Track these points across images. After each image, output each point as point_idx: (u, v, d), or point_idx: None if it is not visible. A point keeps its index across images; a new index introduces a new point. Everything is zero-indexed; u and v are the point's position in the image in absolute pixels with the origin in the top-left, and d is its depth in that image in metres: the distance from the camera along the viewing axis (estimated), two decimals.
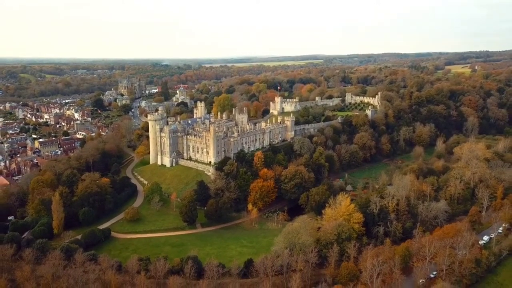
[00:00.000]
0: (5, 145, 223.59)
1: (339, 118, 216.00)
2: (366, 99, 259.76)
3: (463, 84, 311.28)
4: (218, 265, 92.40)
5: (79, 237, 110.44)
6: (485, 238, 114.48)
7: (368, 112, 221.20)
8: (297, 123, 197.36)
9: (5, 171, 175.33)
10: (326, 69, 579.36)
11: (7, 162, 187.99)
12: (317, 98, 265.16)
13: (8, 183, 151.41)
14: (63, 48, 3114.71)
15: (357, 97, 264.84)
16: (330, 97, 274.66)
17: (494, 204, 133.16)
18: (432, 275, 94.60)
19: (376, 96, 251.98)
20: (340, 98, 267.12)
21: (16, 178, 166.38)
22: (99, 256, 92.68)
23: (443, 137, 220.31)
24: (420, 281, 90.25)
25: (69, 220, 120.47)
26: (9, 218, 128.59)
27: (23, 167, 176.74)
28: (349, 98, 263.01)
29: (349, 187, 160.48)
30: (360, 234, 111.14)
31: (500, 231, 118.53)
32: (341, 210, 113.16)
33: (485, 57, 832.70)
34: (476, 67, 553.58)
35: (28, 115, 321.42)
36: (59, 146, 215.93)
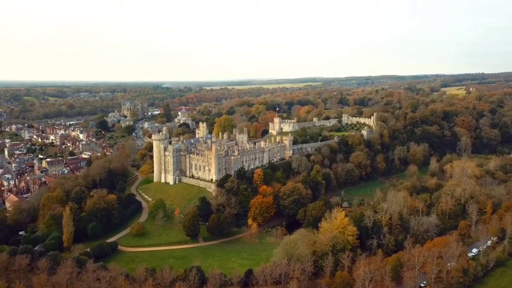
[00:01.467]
0: (13, 164, 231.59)
1: (335, 138, 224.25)
2: (362, 120, 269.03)
3: (456, 105, 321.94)
4: (220, 274, 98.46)
5: (88, 249, 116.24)
6: (474, 250, 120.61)
7: (364, 132, 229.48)
8: (295, 142, 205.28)
9: (15, 189, 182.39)
10: (324, 91, 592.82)
11: (16, 180, 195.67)
12: (314, 119, 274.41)
13: (18, 200, 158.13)
14: (65, 71, 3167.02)
15: (354, 118, 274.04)
16: (327, 118, 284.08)
17: (483, 219, 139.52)
18: (422, 285, 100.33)
19: (372, 117, 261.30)
20: (337, 119, 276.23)
21: (25, 196, 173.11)
22: (109, 265, 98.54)
23: (436, 156, 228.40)
24: None
25: (78, 234, 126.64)
26: (20, 233, 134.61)
27: (32, 185, 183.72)
28: (346, 119, 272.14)
29: (345, 204, 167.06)
30: (355, 246, 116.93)
31: (488, 244, 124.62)
32: (336, 224, 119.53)
33: (480, 79, 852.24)
34: (470, 89, 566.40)
35: (34, 136, 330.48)
36: (66, 165, 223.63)
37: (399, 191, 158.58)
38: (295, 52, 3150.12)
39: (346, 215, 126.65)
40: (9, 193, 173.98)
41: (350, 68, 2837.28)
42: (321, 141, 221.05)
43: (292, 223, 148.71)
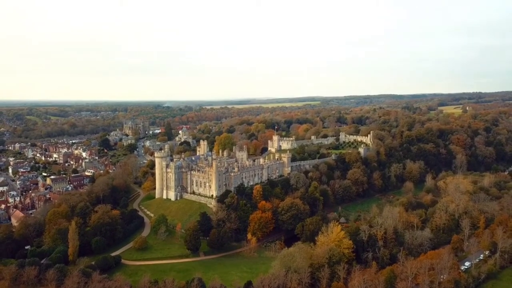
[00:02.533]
0: (18, 182, 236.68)
1: (333, 155, 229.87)
2: (359, 138, 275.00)
3: (452, 123, 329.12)
4: (221, 285, 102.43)
5: (93, 263, 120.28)
6: (467, 264, 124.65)
7: (361, 150, 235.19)
8: (293, 159, 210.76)
9: (20, 205, 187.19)
10: (322, 110, 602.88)
11: (21, 197, 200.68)
12: (312, 137, 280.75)
13: (24, 216, 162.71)
14: (65, 91, 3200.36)
15: (351, 136, 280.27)
16: (325, 136, 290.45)
17: (476, 233, 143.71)
18: None
19: (369, 135, 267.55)
20: (335, 137, 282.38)
21: (30, 212, 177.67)
22: (114, 277, 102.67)
23: (432, 173, 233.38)
24: None
25: (82, 248, 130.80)
26: (26, 247, 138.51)
27: (36, 202, 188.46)
28: (343, 137, 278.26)
29: (342, 219, 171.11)
30: (350, 259, 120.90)
31: (481, 257, 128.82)
32: (333, 237, 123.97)
33: (477, 98, 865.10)
34: (467, 108, 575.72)
35: (38, 155, 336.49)
36: (70, 182, 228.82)
37: (395, 207, 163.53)
38: (294, 72, 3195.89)
39: (342, 229, 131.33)
40: (14, 209, 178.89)
41: (349, 88, 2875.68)
42: (319, 158, 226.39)
43: (290, 238, 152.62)
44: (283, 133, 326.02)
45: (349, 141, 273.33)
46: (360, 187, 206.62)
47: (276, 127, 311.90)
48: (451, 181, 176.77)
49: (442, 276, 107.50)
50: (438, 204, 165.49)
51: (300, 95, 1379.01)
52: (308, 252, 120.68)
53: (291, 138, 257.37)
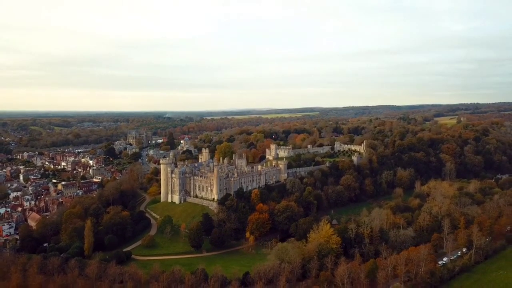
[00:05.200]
0: (30, 188, 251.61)
1: (327, 163, 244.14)
2: (353, 147, 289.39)
3: (443, 133, 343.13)
4: (222, 275, 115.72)
5: (107, 257, 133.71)
6: (445, 259, 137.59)
7: (354, 158, 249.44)
8: (290, 166, 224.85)
9: (35, 208, 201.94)
10: (320, 121, 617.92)
11: (35, 201, 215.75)
12: (309, 146, 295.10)
13: (41, 217, 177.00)
14: (67, 102, 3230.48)
15: (345, 145, 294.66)
16: (321, 145, 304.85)
17: (456, 233, 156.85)
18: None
19: (362, 144, 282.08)
20: (330, 146, 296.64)
21: (45, 214, 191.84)
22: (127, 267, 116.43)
23: (422, 180, 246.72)
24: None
25: (96, 245, 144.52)
26: (44, 244, 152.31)
27: (50, 205, 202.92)
28: (338, 146, 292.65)
29: (334, 221, 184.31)
30: (338, 253, 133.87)
31: (458, 254, 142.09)
32: (322, 234, 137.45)
33: (474, 109, 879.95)
34: (462, 119, 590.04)
35: (46, 163, 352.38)
36: (79, 188, 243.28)
37: (383, 210, 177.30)
38: (293, 84, 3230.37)
39: (332, 228, 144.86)
40: (31, 212, 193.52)
41: (348, 99, 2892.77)
42: (314, 166, 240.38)
43: (285, 237, 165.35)
44: (281, 142, 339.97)
45: (344, 150, 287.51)
46: (352, 193, 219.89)
47: (274, 136, 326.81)
48: (434, 186, 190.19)
49: (420, 269, 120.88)
50: (423, 207, 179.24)
51: (299, 106, 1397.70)
52: (301, 247, 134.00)
53: (288, 147, 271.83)
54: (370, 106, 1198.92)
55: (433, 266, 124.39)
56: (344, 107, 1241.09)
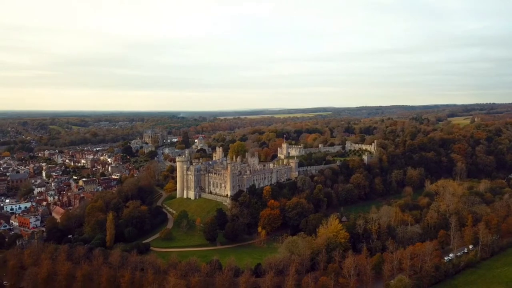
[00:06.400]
0: (52, 184, 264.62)
1: (337, 161, 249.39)
2: (364, 147, 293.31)
3: (455, 133, 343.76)
4: (235, 266, 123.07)
5: (128, 248, 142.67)
6: (451, 255, 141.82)
7: (365, 157, 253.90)
8: (300, 165, 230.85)
9: (59, 203, 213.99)
10: (332, 120, 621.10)
11: (58, 196, 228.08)
12: (320, 145, 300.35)
13: (65, 210, 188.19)
14: (83, 102, 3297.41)
15: (356, 145, 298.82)
16: (332, 144, 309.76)
17: (463, 230, 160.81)
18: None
19: (373, 144, 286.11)
20: (341, 146, 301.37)
21: (68, 208, 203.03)
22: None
23: (432, 179, 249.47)
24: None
25: (116, 237, 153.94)
26: (69, 236, 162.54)
27: (72, 200, 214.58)
28: (349, 146, 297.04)
29: (344, 218, 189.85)
30: (346, 248, 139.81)
31: (465, 251, 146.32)
32: (331, 229, 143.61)
33: (489, 109, 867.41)
34: (476, 119, 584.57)
35: (67, 160, 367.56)
36: (99, 184, 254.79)
37: (392, 207, 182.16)
38: (306, 83, 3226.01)
39: (340, 224, 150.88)
40: (55, 206, 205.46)
41: (361, 99, 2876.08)
42: (324, 164, 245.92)
43: (296, 233, 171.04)
44: (293, 142, 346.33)
45: (355, 150, 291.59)
46: (362, 191, 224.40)
47: (285, 135, 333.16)
48: (443, 185, 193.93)
49: (425, 263, 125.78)
50: (431, 205, 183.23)
51: (311, 106, 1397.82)
52: (310, 241, 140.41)
53: (299, 146, 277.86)
54: (383, 106, 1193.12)
55: (438, 261, 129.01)
56: (357, 107, 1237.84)
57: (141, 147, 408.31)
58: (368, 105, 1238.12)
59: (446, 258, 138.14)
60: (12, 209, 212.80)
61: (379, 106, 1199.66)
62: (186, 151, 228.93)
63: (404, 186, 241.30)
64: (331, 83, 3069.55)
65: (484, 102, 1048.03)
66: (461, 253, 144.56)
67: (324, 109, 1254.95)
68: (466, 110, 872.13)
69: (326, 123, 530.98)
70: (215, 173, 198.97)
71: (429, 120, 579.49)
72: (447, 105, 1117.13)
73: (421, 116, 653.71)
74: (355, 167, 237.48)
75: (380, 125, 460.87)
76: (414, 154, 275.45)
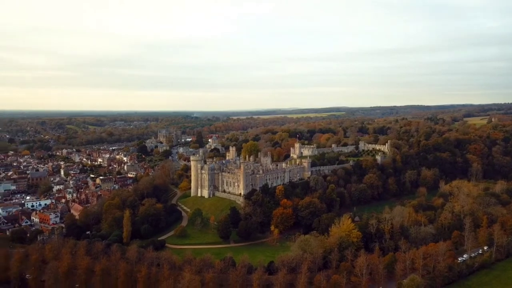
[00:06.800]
0: (70, 182, 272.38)
1: (351, 161, 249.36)
2: (377, 147, 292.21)
3: (470, 134, 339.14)
4: (249, 263, 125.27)
5: (144, 244, 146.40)
6: (465, 256, 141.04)
7: (378, 157, 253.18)
8: (313, 165, 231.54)
9: (77, 200, 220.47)
10: (346, 120, 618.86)
11: (77, 194, 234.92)
12: (333, 145, 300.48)
13: (83, 207, 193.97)
14: (99, 102, 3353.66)
15: (370, 145, 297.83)
16: (345, 144, 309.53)
17: (478, 231, 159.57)
18: None
19: (386, 144, 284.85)
20: (354, 146, 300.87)
21: (86, 205, 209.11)
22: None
23: (447, 180, 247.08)
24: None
25: (133, 233, 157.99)
26: (87, 232, 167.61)
27: (90, 198, 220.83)
28: (362, 146, 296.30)
29: (357, 218, 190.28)
30: (359, 247, 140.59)
31: (479, 252, 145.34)
32: (343, 228, 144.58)
33: (506, 109, 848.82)
34: (492, 119, 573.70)
35: (84, 159, 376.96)
36: (115, 182, 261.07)
37: (405, 207, 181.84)
38: (319, 83, 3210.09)
39: (353, 223, 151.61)
40: (73, 203, 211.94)
41: (375, 98, 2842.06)
42: (337, 164, 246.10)
43: (308, 232, 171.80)
44: (306, 142, 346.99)
45: (368, 150, 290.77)
46: (375, 191, 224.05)
47: (298, 135, 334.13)
48: (457, 185, 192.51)
49: (438, 263, 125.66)
50: (445, 206, 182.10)
51: (325, 106, 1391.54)
52: (322, 240, 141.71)
53: (312, 146, 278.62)
54: (397, 106, 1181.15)
55: (452, 261, 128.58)
56: (371, 107, 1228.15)
57: (156, 147, 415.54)
58: (382, 105, 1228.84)
59: (460, 259, 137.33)
60: (32, 205, 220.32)
61: (394, 106, 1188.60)
62: (200, 151, 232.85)
63: (418, 187, 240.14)
64: (345, 83, 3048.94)
65: (502, 102, 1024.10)
66: (476, 254, 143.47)
67: (338, 109, 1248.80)
68: (483, 110, 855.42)
69: (339, 123, 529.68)
70: (228, 172, 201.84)
71: (444, 120, 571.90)
72: (463, 105, 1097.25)
73: (436, 116, 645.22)
74: (368, 167, 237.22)
75: (394, 125, 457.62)
76: (429, 155, 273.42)
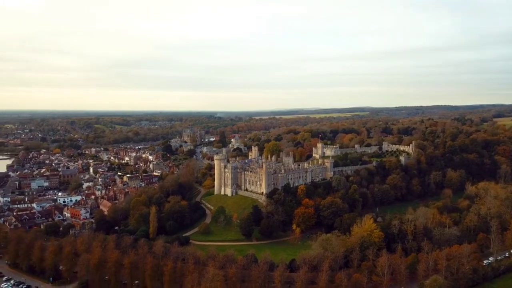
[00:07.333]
0: (99, 179, 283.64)
1: (374, 162, 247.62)
2: (401, 147, 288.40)
3: (499, 135, 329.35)
4: (271, 260, 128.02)
5: (169, 240, 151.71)
6: (490, 259, 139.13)
7: (402, 158, 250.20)
8: (336, 165, 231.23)
9: (106, 197, 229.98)
10: (370, 121, 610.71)
11: (105, 191, 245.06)
12: (356, 146, 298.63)
13: (112, 204, 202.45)
14: (124, 102, 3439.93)
15: (394, 146, 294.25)
16: (368, 145, 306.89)
17: (505, 234, 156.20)
18: None
19: (411, 145, 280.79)
20: (378, 146, 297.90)
21: (114, 202, 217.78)
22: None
23: (474, 182, 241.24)
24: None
25: (158, 229, 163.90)
26: (115, 227, 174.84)
27: (118, 194, 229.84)
28: (386, 146, 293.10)
29: (379, 219, 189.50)
30: (380, 247, 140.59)
31: (506, 255, 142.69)
32: (365, 228, 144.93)
33: None
34: None
35: (112, 158, 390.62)
36: (142, 180, 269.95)
37: (429, 209, 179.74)
38: (342, 82, 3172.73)
39: (375, 223, 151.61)
40: (102, 200, 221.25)
41: (400, 98, 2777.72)
42: (360, 165, 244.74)
43: (330, 231, 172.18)
44: (328, 142, 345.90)
45: (392, 150, 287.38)
46: (398, 192, 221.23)
47: (320, 135, 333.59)
48: (484, 187, 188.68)
49: (462, 265, 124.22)
50: (471, 208, 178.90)
51: (348, 106, 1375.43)
52: (344, 239, 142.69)
53: (334, 146, 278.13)
54: (424, 106, 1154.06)
55: (477, 263, 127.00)
56: (396, 107, 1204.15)
57: (180, 146, 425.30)
58: (407, 105, 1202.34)
59: (485, 262, 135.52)
60: (64, 201, 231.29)
61: (420, 106, 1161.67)
62: (223, 150, 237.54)
63: (443, 188, 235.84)
64: (369, 82, 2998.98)
65: None
66: (502, 257, 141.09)
67: (362, 109, 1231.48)
68: None
69: (363, 123, 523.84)
70: (251, 171, 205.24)
71: (472, 120, 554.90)
72: (493, 105, 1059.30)
73: (464, 117, 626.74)
74: (391, 168, 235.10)
75: (420, 126, 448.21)
76: (455, 156, 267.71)
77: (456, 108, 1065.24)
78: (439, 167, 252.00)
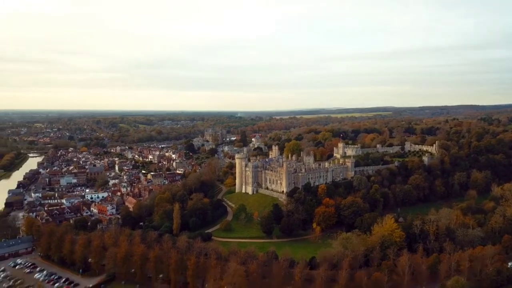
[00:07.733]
0: (124, 177, 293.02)
1: (396, 162, 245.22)
2: (424, 147, 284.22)
3: None
4: (291, 258, 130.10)
5: (192, 235, 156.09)
6: None
7: (425, 158, 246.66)
8: (357, 165, 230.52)
9: (131, 193, 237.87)
10: (392, 120, 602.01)
11: (130, 188, 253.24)
12: (378, 146, 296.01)
13: (137, 200, 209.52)
14: (147, 102, 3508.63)
15: (416, 146, 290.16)
16: (390, 145, 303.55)
17: None
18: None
19: (434, 145, 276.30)
20: (400, 146, 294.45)
21: (139, 198, 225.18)
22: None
23: (500, 183, 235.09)
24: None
25: (181, 226, 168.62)
26: (140, 223, 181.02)
27: (142, 191, 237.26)
28: (408, 146, 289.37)
29: (400, 219, 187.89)
30: (401, 247, 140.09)
31: None
32: (386, 227, 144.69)
33: None
34: None
35: (136, 156, 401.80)
36: (165, 178, 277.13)
37: (452, 210, 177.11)
38: (364, 82, 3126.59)
39: (396, 223, 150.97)
40: (128, 196, 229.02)
41: (424, 98, 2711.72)
42: (382, 165, 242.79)
43: (350, 231, 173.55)
44: (349, 142, 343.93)
45: (414, 150, 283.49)
46: (421, 192, 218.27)
47: (342, 135, 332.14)
48: (509, 188, 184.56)
49: (486, 267, 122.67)
50: (497, 209, 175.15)
51: (371, 106, 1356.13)
52: (364, 238, 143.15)
53: (356, 145, 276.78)
54: (449, 106, 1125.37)
55: (501, 265, 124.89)
56: (419, 107, 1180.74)
57: (203, 145, 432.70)
58: (432, 105, 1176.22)
59: (510, 264, 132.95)
60: (91, 198, 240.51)
61: (444, 106, 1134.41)
62: (244, 149, 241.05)
63: (468, 189, 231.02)
64: (392, 82, 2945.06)
65: None
66: None
67: (384, 109, 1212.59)
68: None
69: (385, 123, 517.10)
70: (271, 170, 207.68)
71: (499, 120, 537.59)
72: None
73: (491, 117, 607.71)
74: (414, 168, 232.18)
75: (444, 126, 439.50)
76: (480, 156, 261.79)
77: (483, 107, 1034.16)
78: (463, 168, 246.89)
